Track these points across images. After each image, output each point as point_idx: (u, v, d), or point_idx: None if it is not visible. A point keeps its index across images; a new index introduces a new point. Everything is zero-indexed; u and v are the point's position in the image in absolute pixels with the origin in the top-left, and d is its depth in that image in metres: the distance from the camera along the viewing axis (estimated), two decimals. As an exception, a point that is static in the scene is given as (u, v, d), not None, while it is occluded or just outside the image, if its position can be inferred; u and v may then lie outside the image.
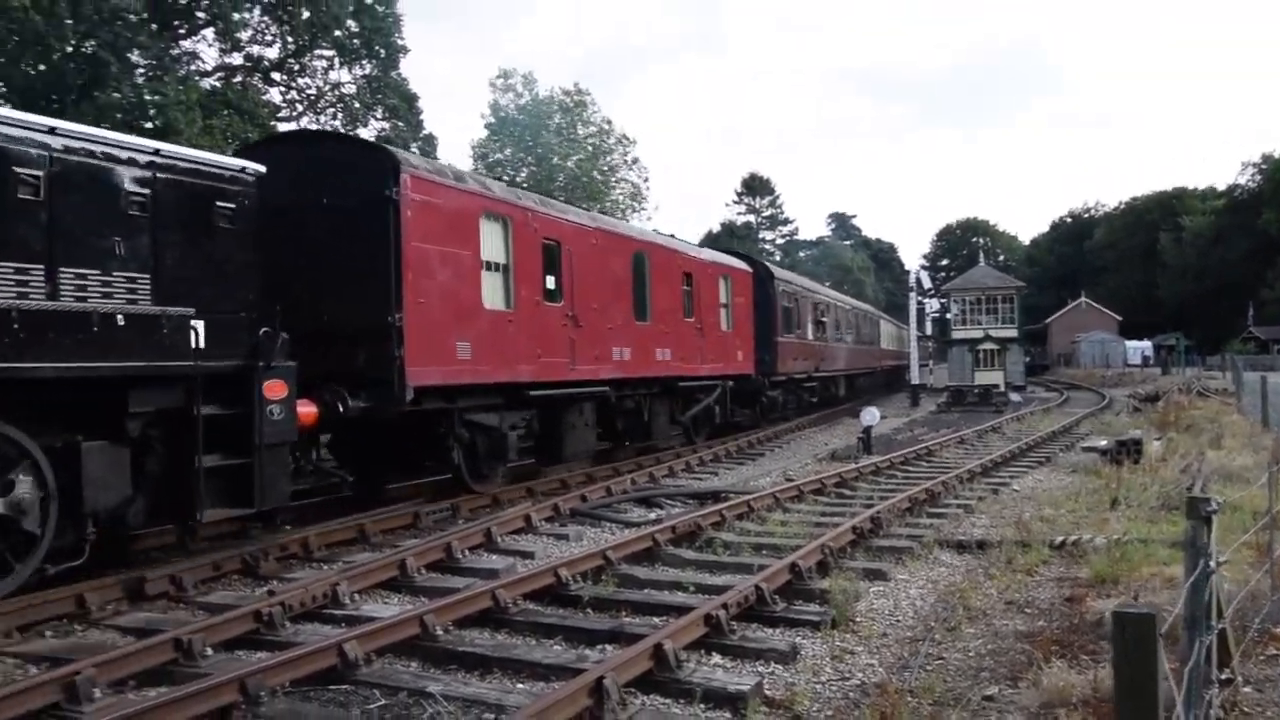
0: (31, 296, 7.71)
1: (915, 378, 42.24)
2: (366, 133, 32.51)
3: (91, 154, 8.35)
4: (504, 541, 10.94)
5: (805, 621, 7.48)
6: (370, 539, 11.16)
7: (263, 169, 9.98)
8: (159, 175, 8.85)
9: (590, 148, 54.39)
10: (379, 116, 33.68)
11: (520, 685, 6.25)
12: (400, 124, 33.56)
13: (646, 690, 6.01)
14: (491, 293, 13.44)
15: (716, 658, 6.73)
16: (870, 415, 20.76)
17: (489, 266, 13.39)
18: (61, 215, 8.03)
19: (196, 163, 9.39)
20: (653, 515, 12.75)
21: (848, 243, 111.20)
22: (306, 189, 11.76)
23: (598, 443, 17.25)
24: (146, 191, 8.71)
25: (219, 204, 9.39)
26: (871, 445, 19.83)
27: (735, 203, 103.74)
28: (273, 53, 31.86)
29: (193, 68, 29.27)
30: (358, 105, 33.05)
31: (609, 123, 55.84)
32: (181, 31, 29.16)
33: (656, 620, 7.38)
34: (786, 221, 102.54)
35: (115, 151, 8.58)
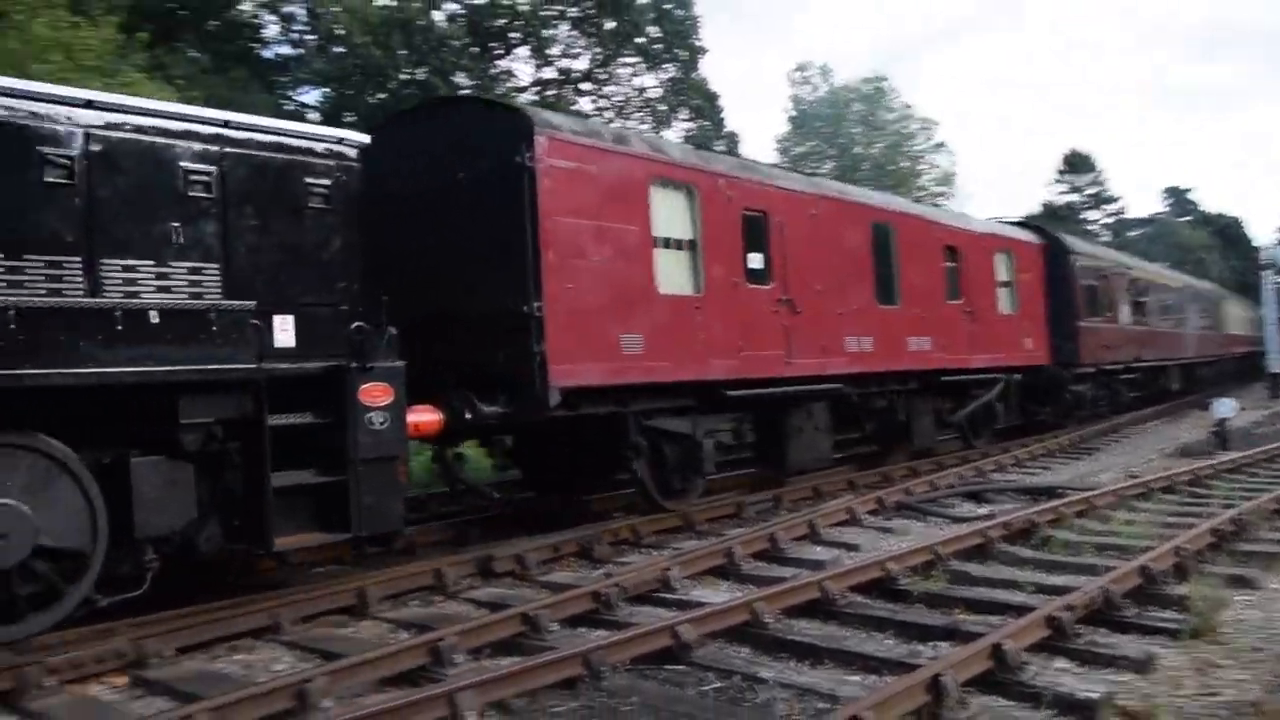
0: (66, 294, 6.77)
1: (1275, 365, 37.76)
2: (672, 134, 33.45)
3: (140, 129, 7.31)
4: (827, 533, 10.86)
5: (1161, 629, 6.86)
6: (695, 527, 11.45)
7: (366, 139, 8.74)
8: (228, 150, 7.75)
9: (894, 134, 53.11)
10: (683, 117, 34.53)
11: (852, 677, 6.15)
12: (704, 123, 34.27)
13: (986, 690, 5.74)
14: (670, 274, 11.40)
15: (1061, 662, 6.31)
16: (1225, 407, 18.77)
17: (666, 244, 11.40)
18: (102, 200, 7.03)
19: (278, 134, 8.20)
20: (983, 510, 12.17)
21: (1185, 219, 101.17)
22: (429, 162, 10.56)
23: (834, 450, 14.51)
24: (212, 169, 7.62)
25: (309, 181, 8.19)
26: (1228, 439, 17.96)
27: (1055, 182, 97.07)
28: (581, 64, 33.46)
29: (510, 85, 31.41)
30: (663, 108, 34.06)
31: (909, 107, 54.31)
32: (499, 52, 31.34)
33: (993, 619, 7.03)
34: (1112, 199, 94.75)
35: (170, 125, 7.51)
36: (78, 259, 6.87)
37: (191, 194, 7.49)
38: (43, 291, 6.68)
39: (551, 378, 9.75)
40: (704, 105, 34.17)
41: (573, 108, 32.84)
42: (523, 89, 32.14)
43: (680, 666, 6.39)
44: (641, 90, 34.23)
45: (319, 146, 8.36)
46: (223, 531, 7.74)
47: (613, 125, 12.44)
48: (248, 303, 7.63)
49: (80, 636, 7.05)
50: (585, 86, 34.06)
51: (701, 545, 10.02)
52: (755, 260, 12.69)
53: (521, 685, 5.82)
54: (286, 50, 29.28)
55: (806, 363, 13.20)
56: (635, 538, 10.80)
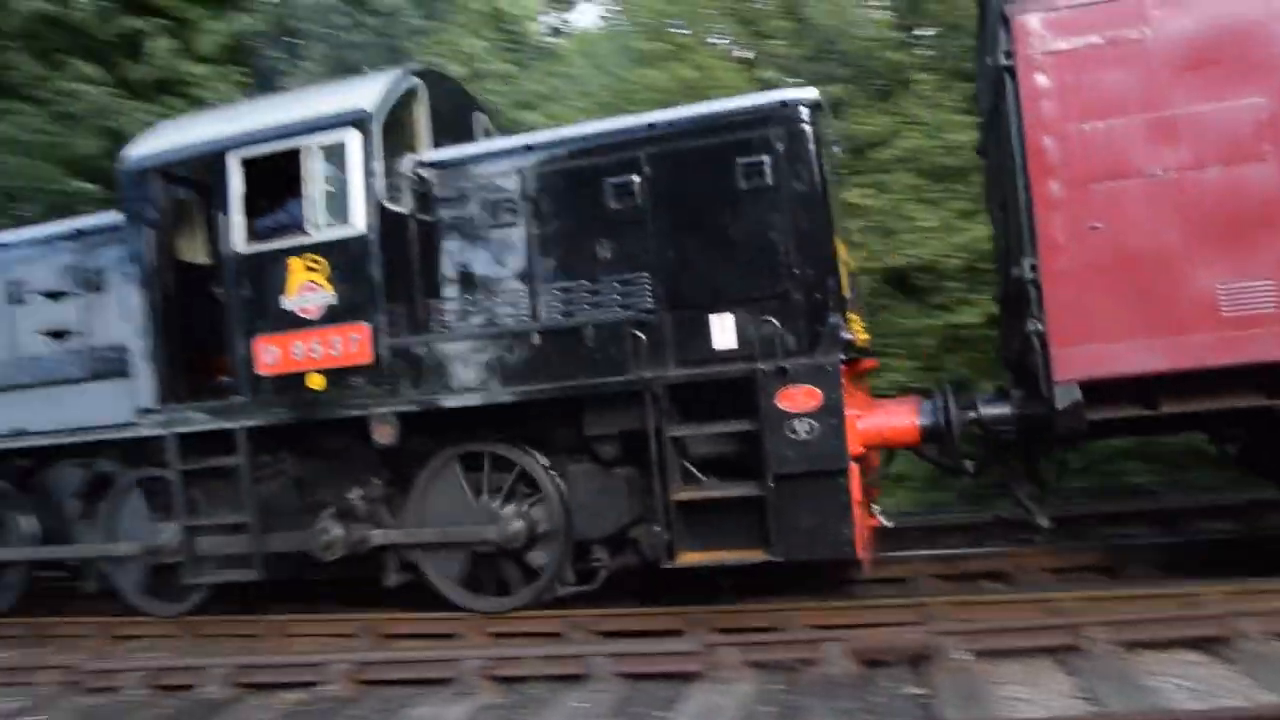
0: (542, 315, 7.84)
1: None
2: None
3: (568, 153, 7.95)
4: None
5: None
6: None
7: (814, 95, 7.44)
8: (650, 152, 7.57)
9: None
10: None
11: None
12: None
13: None
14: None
15: None
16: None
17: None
18: (540, 224, 7.91)
19: (701, 119, 7.62)
20: None
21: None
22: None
23: None
24: (633, 178, 7.59)
25: (741, 161, 7.33)
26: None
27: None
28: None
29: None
30: None
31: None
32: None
33: None
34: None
35: (595, 143, 7.91)
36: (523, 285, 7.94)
37: (614, 206, 7.67)
38: (508, 318, 7.90)
39: (1056, 369, 6.69)
40: None
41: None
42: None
43: None
44: None
45: (755, 117, 7.43)
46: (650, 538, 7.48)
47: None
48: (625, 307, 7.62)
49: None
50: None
51: None
52: None
53: None
54: None
55: None
56: None
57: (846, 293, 7.47)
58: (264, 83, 14.43)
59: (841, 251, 7.55)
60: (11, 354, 9.33)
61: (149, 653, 8.56)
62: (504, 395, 7.54)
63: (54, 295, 9.16)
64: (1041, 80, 6.79)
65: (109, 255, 8.89)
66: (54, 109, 14.06)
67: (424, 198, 8.24)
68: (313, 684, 6.94)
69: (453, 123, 9.02)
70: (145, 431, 8.58)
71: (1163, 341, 6.50)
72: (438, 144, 8.71)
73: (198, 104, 13.38)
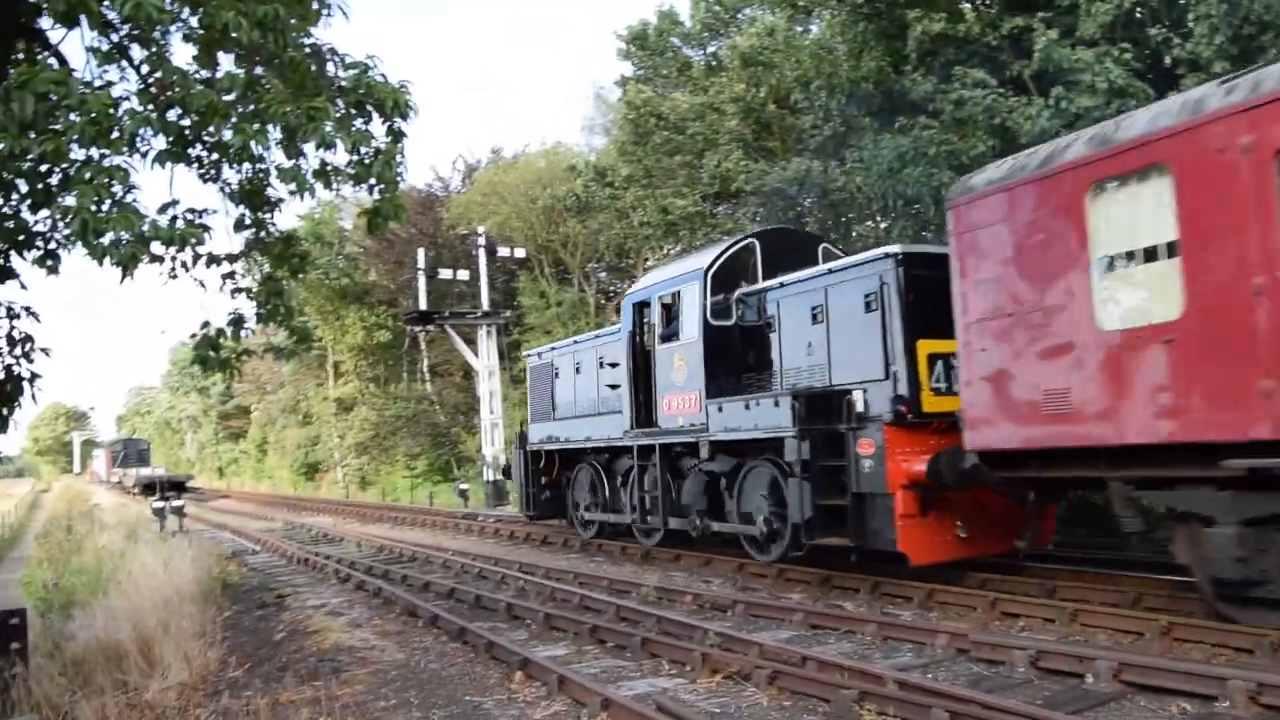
0: None
1: None
2: None
3: None
4: None
5: None
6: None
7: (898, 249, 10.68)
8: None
9: None
10: None
11: None
12: None
13: None
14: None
15: None
16: None
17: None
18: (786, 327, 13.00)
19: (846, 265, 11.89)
20: None
21: None
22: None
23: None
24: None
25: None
26: None
27: None
28: None
29: None
30: None
31: None
32: None
33: None
34: None
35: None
36: None
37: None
38: None
39: (965, 443, 9.89)
40: None
41: None
42: None
43: None
44: None
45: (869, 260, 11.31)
46: None
47: None
48: None
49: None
50: None
51: None
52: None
53: None
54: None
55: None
56: None
57: (925, 376, 10.97)
58: (1153, 61, 13.73)
59: (932, 346, 10.97)
60: (599, 396, 17.56)
61: (1031, 633, 8.75)
62: (758, 433, 12.61)
63: (612, 365, 16.71)
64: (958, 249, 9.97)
65: (616, 348, 16.64)
66: (947, 117, 15.20)
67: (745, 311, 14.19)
68: (1209, 698, 6.42)
69: (796, 254, 14.21)
70: (627, 442, 16.00)
71: (1015, 429, 9.26)
72: (772, 274, 13.75)
73: (1088, 91, 13.23)
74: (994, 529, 10.81)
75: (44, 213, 9.11)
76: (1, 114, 6.99)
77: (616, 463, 17.06)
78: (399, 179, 8.90)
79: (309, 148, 8.53)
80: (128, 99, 8.22)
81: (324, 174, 8.85)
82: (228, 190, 9.48)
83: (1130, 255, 8.47)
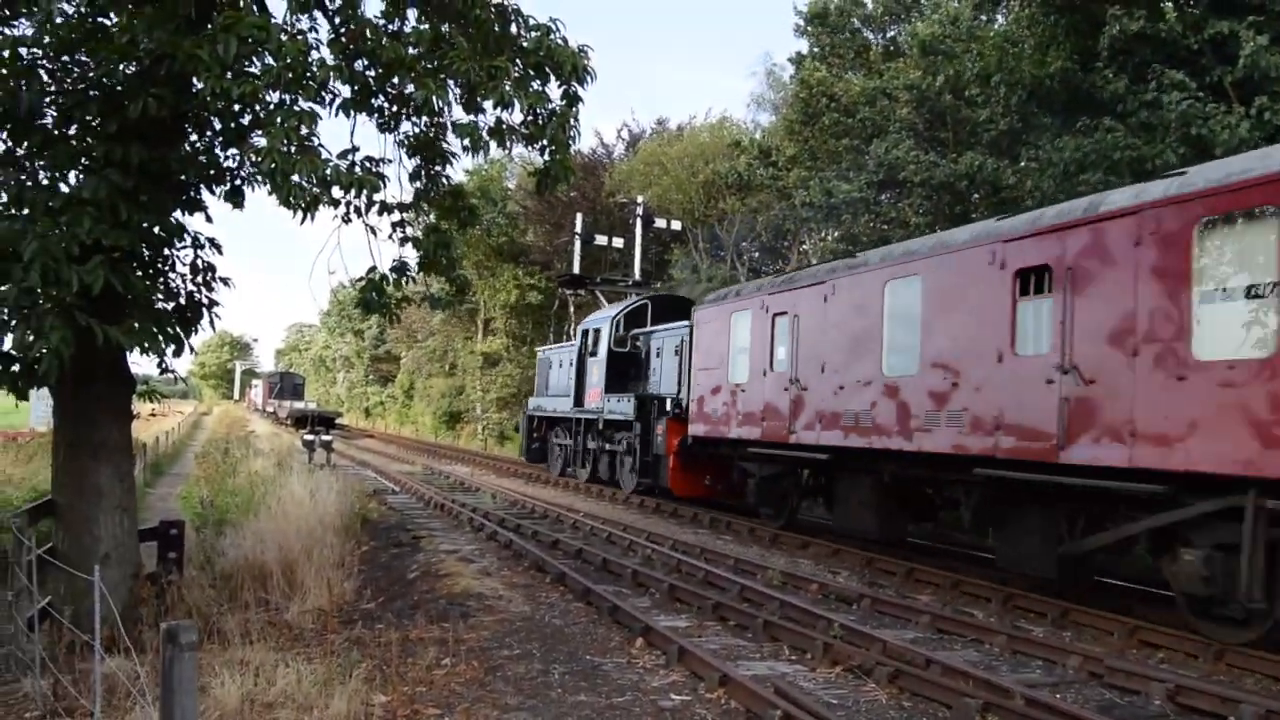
0: None
1: None
2: None
3: None
4: None
5: None
6: None
7: None
8: None
9: None
10: None
11: None
12: None
13: None
14: None
15: None
16: None
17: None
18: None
19: None
20: None
21: None
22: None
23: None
24: None
25: None
26: None
27: None
28: None
29: None
30: None
31: None
32: None
33: None
34: None
35: None
36: None
37: None
38: None
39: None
40: None
41: None
42: None
43: None
44: None
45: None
46: None
47: None
48: None
49: None
50: None
51: None
52: None
53: None
54: None
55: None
56: None
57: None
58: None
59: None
60: (565, 384, 25.72)
61: (1171, 666, 8.35)
62: (619, 416, 22.57)
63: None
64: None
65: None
66: (1135, 120, 14.41)
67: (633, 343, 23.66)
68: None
69: (676, 313, 22.77)
70: (571, 415, 25.66)
71: (704, 427, 18.16)
72: (657, 323, 23.36)
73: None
74: (725, 485, 19.14)
75: (233, 151, 9.62)
76: (206, 55, 7.40)
77: (568, 426, 25.91)
78: (571, 142, 9.03)
79: (487, 105, 8.75)
80: (318, 48, 8.61)
81: (499, 132, 9.07)
82: (405, 142, 9.78)
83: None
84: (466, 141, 8.76)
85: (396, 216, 10.17)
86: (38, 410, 32.62)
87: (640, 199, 34.15)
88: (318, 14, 8.86)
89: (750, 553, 14.27)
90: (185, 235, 9.52)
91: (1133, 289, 9.20)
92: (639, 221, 33.35)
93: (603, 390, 23.29)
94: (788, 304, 15.27)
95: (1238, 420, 8.09)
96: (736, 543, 15.57)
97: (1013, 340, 10.64)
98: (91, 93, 8.68)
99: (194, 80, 8.01)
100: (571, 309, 42.22)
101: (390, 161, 9.54)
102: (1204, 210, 8.61)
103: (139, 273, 8.99)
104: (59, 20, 8.38)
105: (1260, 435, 7.93)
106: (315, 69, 7.95)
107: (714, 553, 13.85)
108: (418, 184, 10.10)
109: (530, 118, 8.87)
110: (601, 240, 34.33)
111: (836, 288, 14.03)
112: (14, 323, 8.06)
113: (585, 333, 25.09)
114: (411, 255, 10.31)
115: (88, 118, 8.72)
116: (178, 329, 9.25)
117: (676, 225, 34.24)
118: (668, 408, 20.42)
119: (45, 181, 8.68)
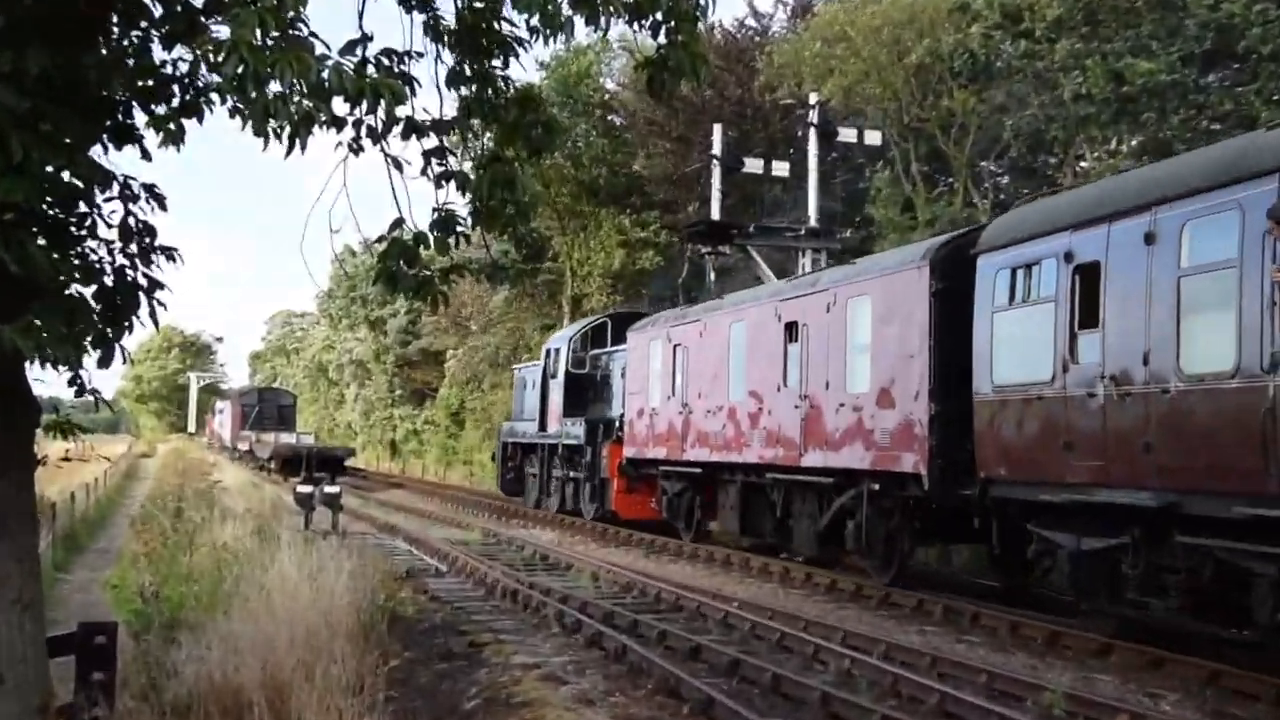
0: None
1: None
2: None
3: None
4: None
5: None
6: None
7: None
8: None
9: None
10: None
11: None
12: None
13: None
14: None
15: None
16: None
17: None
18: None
19: None
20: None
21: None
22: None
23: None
24: None
25: None
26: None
27: None
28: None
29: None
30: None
31: None
32: None
33: None
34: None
35: None
36: None
37: None
38: None
39: None
40: None
41: None
42: None
43: None
44: None
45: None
46: None
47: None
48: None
49: None
50: None
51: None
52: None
53: None
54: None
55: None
56: None
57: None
58: None
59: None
60: (534, 406, 26.17)
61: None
62: (574, 441, 23.59)
63: (539, 385, 26.44)
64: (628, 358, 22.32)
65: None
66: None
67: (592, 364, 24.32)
68: None
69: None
70: (536, 440, 26.61)
71: (636, 449, 20.73)
72: (617, 343, 23.46)
73: None
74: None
75: (181, 50, 5.83)
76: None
77: (537, 452, 25.75)
78: (700, 15, 5.91)
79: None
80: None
81: (588, 1, 5.73)
82: (441, 25, 6.23)
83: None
84: (535, 19, 5.56)
85: (432, 141, 6.36)
86: None
87: (814, 97, 22.47)
88: None
89: (1014, 663, 10.03)
90: (111, 182, 6.03)
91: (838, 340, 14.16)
92: (812, 133, 22.41)
93: (560, 413, 23.71)
94: (681, 336, 18.89)
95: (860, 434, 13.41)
96: (990, 645, 10.92)
97: (784, 376, 15.28)
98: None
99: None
100: (711, 275, 25.26)
101: (421, 57, 6.08)
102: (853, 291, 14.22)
103: (41, 241, 5.56)
104: None
105: (867, 444, 13.14)
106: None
107: (951, 661, 9.71)
108: (463, 90, 6.41)
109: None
110: (755, 166, 23.30)
111: (707, 325, 18.09)
112: None
113: (548, 352, 25.35)
114: (459, 201, 6.46)
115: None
116: (101, 325, 5.88)
117: (874, 137, 22.81)
118: (616, 430, 21.32)
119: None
